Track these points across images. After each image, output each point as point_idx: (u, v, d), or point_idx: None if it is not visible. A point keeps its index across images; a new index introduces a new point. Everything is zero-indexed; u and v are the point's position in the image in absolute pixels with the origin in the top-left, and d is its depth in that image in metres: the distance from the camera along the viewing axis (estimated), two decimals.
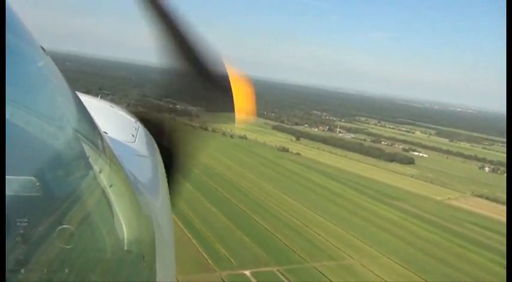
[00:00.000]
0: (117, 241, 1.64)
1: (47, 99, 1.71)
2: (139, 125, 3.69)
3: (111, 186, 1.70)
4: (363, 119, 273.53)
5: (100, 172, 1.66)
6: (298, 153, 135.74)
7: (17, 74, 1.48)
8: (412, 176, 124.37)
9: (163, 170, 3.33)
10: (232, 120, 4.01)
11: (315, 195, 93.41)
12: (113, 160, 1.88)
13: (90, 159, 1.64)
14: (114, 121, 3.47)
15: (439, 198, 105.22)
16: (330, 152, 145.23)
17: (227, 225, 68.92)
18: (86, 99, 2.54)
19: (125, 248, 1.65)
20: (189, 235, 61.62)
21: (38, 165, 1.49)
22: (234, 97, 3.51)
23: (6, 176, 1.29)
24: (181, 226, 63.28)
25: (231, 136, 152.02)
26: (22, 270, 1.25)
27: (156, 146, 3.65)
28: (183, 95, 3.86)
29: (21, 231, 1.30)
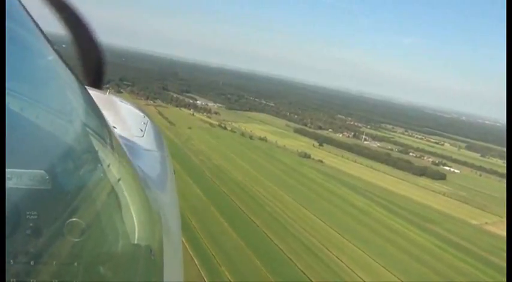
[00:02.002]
0: (125, 235, 1.66)
1: (57, 94, 1.75)
2: (147, 119, 3.66)
3: (119, 180, 1.71)
4: (389, 126, 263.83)
5: (109, 166, 1.69)
6: (320, 161, 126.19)
7: (26, 69, 1.50)
8: (444, 194, 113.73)
9: (171, 165, 3.34)
10: None
11: (339, 211, 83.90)
12: (122, 154, 1.90)
13: (99, 154, 1.67)
14: (122, 116, 3.41)
15: (474, 222, 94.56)
16: (355, 161, 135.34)
17: (237, 244, 60.11)
18: (95, 94, 2.61)
19: (133, 242, 1.67)
20: (194, 258, 53.13)
21: (47, 159, 1.51)
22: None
23: (17, 170, 1.35)
24: (185, 243, 55.11)
25: (251, 137, 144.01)
26: (32, 263, 1.28)
27: (164, 141, 3.65)
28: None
29: (31, 224, 1.33)
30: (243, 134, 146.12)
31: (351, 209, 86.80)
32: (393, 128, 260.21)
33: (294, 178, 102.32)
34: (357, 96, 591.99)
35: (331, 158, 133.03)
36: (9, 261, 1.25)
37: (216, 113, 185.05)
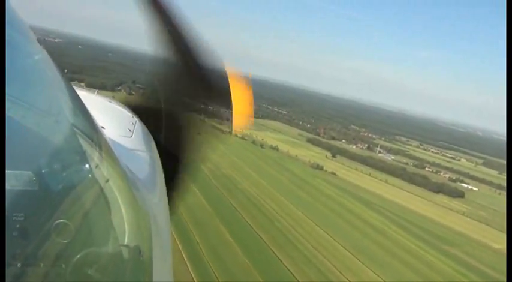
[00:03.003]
0: (113, 236, 1.65)
1: (44, 94, 1.72)
2: (136, 119, 3.65)
3: (107, 181, 1.70)
4: (403, 139, 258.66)
5: (97, 167, 1.67)
6: (333, 173, 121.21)
7: (13, 68, 1.50)
8: (463, 214, 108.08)
9: (160, 165, 3.29)
10: (228, 124, 4.03)
11: (353, 229, 78.86)
12: (110, 155, 1.88)
13: (87, 154, 1.66)
14: (111, 116, 3.42)
15: (497, 246, 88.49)
16: (369, 175, 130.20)
17: (243, 264, 55.44)
18: (84, 94, 2.62)
19: (122, 243, 1.66)
20: (192, 273, 48.72)
21: (34, 159, 1.50)
22: (232, 99, 3.42)
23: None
24: (185, 259, 50.84)
25: (261, 146, 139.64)
26: (18, 265, 1.27)
27: (153, 141, 3.63)
28: (175, 88, 3.61)
29: (18, 226, 1.32)
30: (253, 142, 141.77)
31: (365, 227, 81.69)
32: (408, 140, 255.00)
33: (306, 191, 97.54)
34: (371, 107, 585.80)
35: (345, 171, 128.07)
36: None
37: (227, 119, 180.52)
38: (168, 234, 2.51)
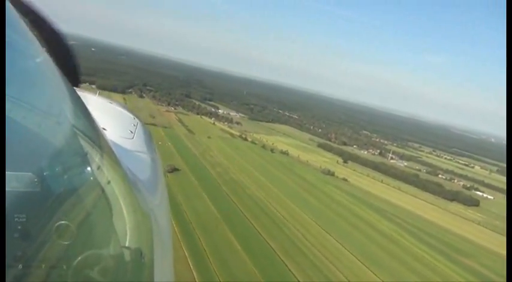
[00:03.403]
0: (115, 237, 1.67)
1: (45, 95, 1.74)
2: (138, 121, 3.71)
3: (109, 182, 1.72)
4: (416, 145, 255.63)
5: (98, 168, 1.69)
6: (345, 179, 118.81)
7: (14, 70, 1.52)
8: (478, 223, 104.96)
9: (161, 167, 3.34)
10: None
11: (365, 238, 76.42)
12: (111, 156, 1.90)
13: (88, 156, 1.67)
14: (112, 117, 3.48)
15: None
16: (381, 182, 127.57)
17: (251, 273, 53.53)
18: (85, 96, 2.65)
19: (123, 245, 1.67)
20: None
21: (36, 161, 1.52)
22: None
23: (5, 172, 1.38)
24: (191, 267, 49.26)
25: (272, 150, 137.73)
26: (20, 266, 1.29)
27: (154, 142, 3.68)
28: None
29: (20, 227, 1.34)
30: (264, 147, 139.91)
31: (378, 236, 79.19)
32: (420, 147, 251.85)
33: (317, 198, 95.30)
34: (382, 112, 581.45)
35: (356, 177, 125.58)
36: None
37: (237, 123, 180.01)
38: (169, 236, 2.53)
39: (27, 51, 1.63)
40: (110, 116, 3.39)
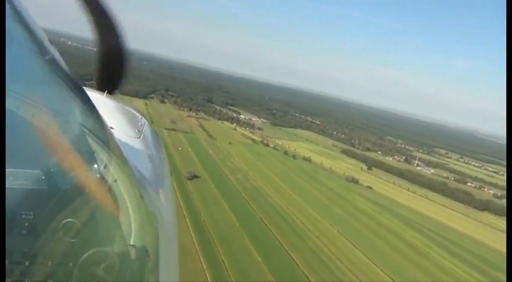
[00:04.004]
0: (121, 235, 1.68)
1: (54, 94, 1.74)
2: (145, 121, 3.62)
3: (116, 181, 1.74)
4: (442, 151, 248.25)
5: (105, 167, 1.71)
6: (369, 187, 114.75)
7: (24, 68, 1.56)
8: None
9: (168, 166, 3.33)
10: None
11: (392, 251, 72.55)
12: (118, 155, 1.89)
13: (95, 154, 1.70)
14: (120, 116, 3.35)
15: None
16: (408, 190, 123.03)
17: None
18: (93, 95, 2.71)
19: (129, 243, 1.69)
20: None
21: (44, 159, 1.56)
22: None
23: (13, 169, 1.41)
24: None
25: (294, 156, 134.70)
26: (27, 263, 1.34)
27: (161, 142, 3.64)
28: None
29: (27, 224, 1.39)
30: (286, 153, 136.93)
31: (406, 248, 75.22)
32: (447, 153, 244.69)
33: (340, 206, 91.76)
34: (406, 118, 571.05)
35: (382, 185, 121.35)
36: (4, 261, 1.32)
37: (259, 128, 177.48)
38: (175, 235, 2.51)
39: (36, 50, 1.62)
40: (117, 115, 3.28)
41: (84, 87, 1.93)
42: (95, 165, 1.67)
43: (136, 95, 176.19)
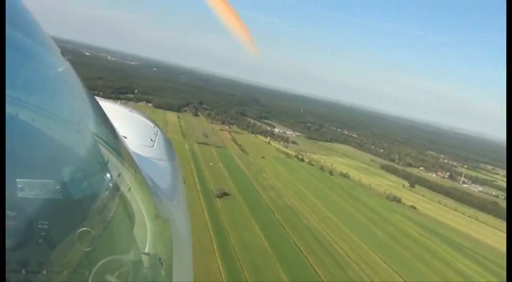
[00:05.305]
0: (135, 243, 1.72)
1: (67, 104, 1.81)
2: (158, 129, 3.78)
3: (129, 189, 1.77)
4: (488, 167, 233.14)
5: (119, 176, 1.74)
6: (413, 207, 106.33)
7: (38, 79, 1.61)
8: None
9: (181, 174, 3.42)
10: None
11: (442, 281, 64.47)
12: (132, 164, 1.95)
13: (109, 163, 1.72)
14: (133, 126, 3.58)
15: None
16: (455, 210, 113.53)
17: None
18: (106, 105, 2.77)
19: (143, 251, 1.72)
20: None
21: (58, 168, 1.59)
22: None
23: (28, 179, 1.46)
24: None
25: (330, 172, 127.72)
26: (44, 272, 1.39)
27: (174, 151, 3.74)
28: None
29: (43, 233, 1.44)
30: (322, 168, 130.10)
31: (458, 279, 66.87)
32: (493, 169, 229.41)
33: (382, 229, 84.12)
34: (447, 131, 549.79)
35: (426, 204, 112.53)
36: (21, 270, 1.38)
37: (293, 142, 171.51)
38: (189, 243, 2.57)
39: (49, 61, 1.68)
40: (130, 124, 3.41)
41: (96, 98, 1.95)
42: (109, 175, 1.69)
43: (169, 108, 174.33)
